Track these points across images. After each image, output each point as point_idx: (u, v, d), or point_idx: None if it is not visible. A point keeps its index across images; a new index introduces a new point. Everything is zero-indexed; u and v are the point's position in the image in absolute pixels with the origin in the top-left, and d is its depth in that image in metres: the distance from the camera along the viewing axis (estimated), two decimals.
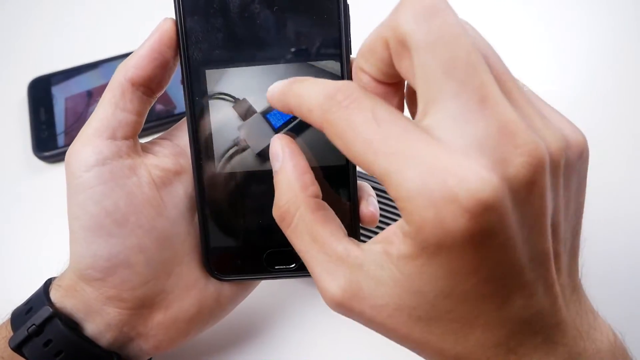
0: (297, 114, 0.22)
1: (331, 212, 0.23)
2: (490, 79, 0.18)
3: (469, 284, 0.18)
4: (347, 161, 0.27)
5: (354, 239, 0.22)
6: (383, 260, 0.20)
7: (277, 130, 0.27)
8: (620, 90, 0.46)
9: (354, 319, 0.21)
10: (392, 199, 0.18)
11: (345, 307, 0.21)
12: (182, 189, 0.28)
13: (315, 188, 0.23)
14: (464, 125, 0.17)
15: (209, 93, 0.27)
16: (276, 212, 0.23)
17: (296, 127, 0.27)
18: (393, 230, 0.20)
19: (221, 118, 0.27)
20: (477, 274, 0.18)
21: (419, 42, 0.18)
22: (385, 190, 0.18)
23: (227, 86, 0.27)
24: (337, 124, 0.19)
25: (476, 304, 0.19)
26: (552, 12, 0.51)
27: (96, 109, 0.26)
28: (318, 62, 0.26)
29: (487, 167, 0.17)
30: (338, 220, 0.23)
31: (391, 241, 0.19)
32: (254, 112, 0.27)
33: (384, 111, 0.19)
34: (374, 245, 0.20)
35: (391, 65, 0.20)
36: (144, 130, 0.28)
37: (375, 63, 0.21)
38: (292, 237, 0.23)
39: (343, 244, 0.21)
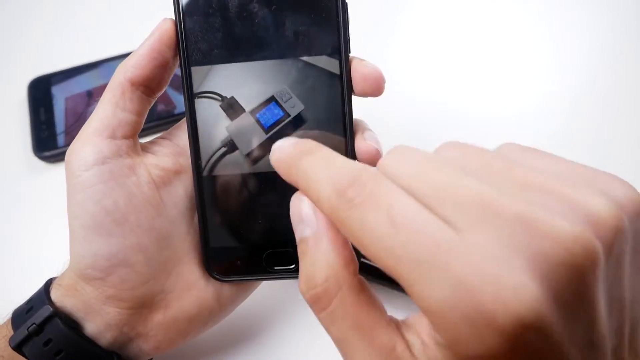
0: (303, 194, 0.20)
1: (372, 292, 0.20)
2: (476, 183, 0.16)
3: None
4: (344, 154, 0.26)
5: (393, 319, 0.19)
6: (424, 357, 0.17)
7: (267, 130, 0.27)
8: (620, 90, 0.46)
9: None
10: (420, 309, 0.16)
11: None
12: (182, 188, 0.28)
13: (356, 265, 0.20)
14: (484, 231, 0.15)
15: (203, 92, 0.27)
16: (309, 291, 0.19)
17: (288, 126, 0.27)
18: (423, 327, 0.18)
19: (211, 117, 0.27)
20: None
21: (406, 186, 0.17)
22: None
23: (225, 86, 0.27)
24: (349, 225, 0.17)
25: None
26: (552, 12, 0.51)
27: (96, 108, 0.26)
28: (318, 62, 0.26)
29: (523, 269, 0.15)
30: (379, 300, 0.20)
31: (424, 337, 0.18)
32: (243, 111, 0.27)
33: (402, 209, 0.16)
34: (414, 338, 0.18)
35: None
36: (144, 130, 0.28)
37: None
38: (326, 321, 0.19)
39: (388, 332, 0.18)
